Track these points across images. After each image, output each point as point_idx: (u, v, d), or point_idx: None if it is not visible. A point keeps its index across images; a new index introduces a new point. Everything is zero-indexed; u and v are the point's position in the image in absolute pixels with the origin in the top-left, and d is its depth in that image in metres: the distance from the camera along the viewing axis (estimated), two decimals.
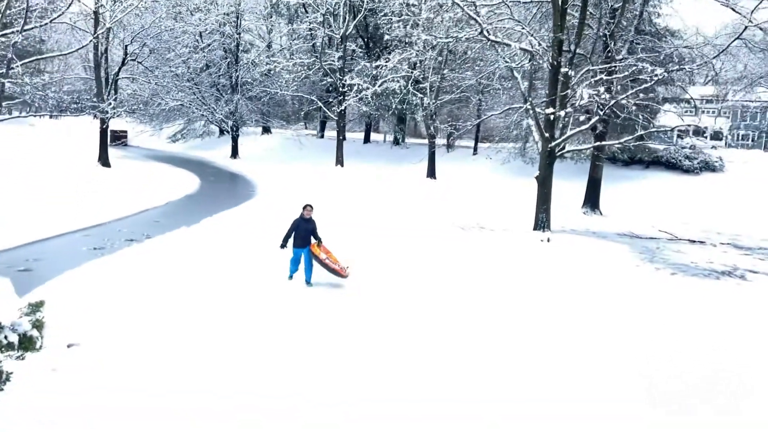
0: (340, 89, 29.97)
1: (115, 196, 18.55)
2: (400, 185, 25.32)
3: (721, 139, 41.34)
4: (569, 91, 13.76)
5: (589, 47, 17.60)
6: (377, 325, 7.69)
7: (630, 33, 18.72)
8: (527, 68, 15.23)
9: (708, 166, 25.36)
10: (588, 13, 15.77)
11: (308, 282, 9.58)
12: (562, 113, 13.79)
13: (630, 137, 15.38)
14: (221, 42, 35.90)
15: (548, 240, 14.71)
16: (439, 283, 10.01)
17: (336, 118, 31.80)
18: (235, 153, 37.32)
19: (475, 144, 34.46)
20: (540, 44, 14.07)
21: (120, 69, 28.08)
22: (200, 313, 7.70)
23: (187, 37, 34.42)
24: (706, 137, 37.34)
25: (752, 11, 14.62)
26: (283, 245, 9.64)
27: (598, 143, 16.90)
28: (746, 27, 14.81)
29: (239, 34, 35.89)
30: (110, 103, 26.42)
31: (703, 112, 38.29)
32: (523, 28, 14.32)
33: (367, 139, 40.01)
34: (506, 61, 14.83)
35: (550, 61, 13.77)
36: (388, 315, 8.13)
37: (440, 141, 32.09)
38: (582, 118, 14.46)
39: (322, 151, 35.70)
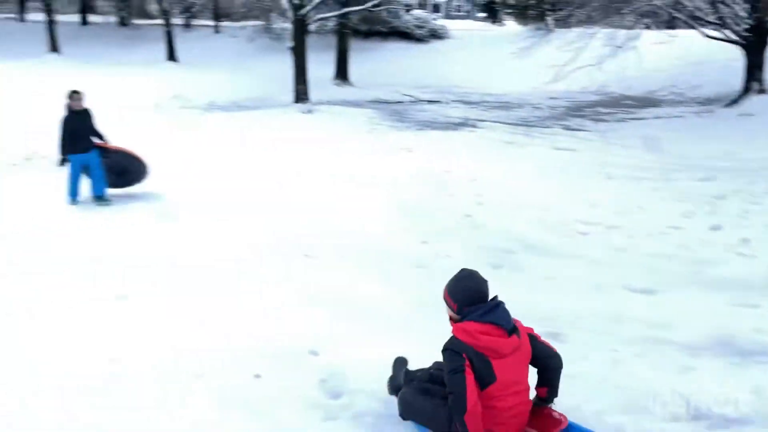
0: None
1: None
2: (139, 69, 22.66)
3: (440, 11, 45.53)
4: None
5: None
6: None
7: None
8: None
9: (435, 34, 27.92)
10: None
11: (102, 197, 7.26)
12: None
13: (372, 2, 15.99)
14: None
15: (309, 111, 14.98)
16: (235, 172, 9.03)
17: None
18: None
19: (216, 22, 32.19)
20: None
21: None
22: None
23: None
24: (426, 9, 40.61)
25: None
26: (64, 158, 7.15)
27: (342, 10, 17.21)
28: None
29: None
30: None
31: None
32: None
33: (85, 21, 34.30)
34: None
35: None
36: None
37: (176, 20, 29.17)
38: None
39: (28, 37, 29.68)
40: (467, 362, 2.57)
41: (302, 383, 3.73)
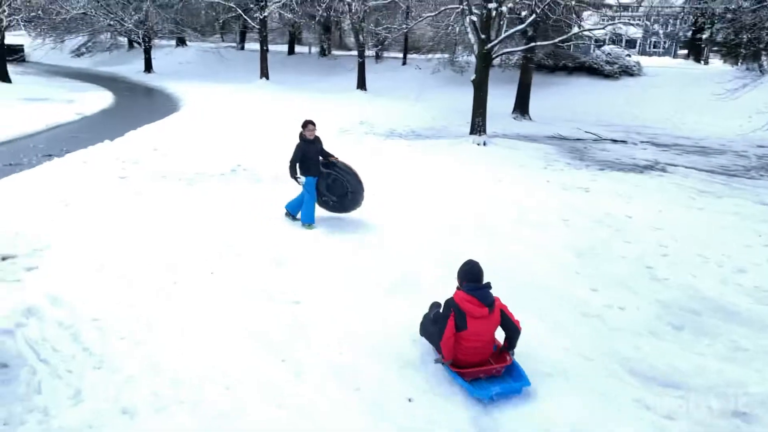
0: None
1: (20, 112, 17.00)
2: (332, 96, 24.71)
3: (635, 47, 42.93)
4: None
5: None
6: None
7: None
8: None
9: (627, 71, 26.40)
10: None
11: (311, 221, 7.53)
12: (504, 9, 13.71)
13: (563, 36, 15.58)
14: None
15: (484, 143, 15.03)
16: (418, 197, 9.64)
17: (257, 27, 30.09)
18: (149, 67, 34.78)
19: (404, 54, 33.89)
20: None
21: None
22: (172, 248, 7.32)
23: None
24: (620, 44, 38.56)
25: None
26: (297, 177, 7.40)
27: (530, 44, 17.03)
28: None
29: None
30: (4, 10, 23.60)
31: (620, 19, 39.18)
32: None
33: (291, 51, 38.33)
34: None
35: None
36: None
37: (368, 52, 31.31)
38: (523, 14, 14.41)
39: (244, 64, 34.01)
40: (452, 312, 4.11)
41: (453, 416, 3.72)
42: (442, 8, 16.29)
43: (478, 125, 15.79)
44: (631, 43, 42.73)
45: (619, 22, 19.93)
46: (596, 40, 31.12)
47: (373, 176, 10.52)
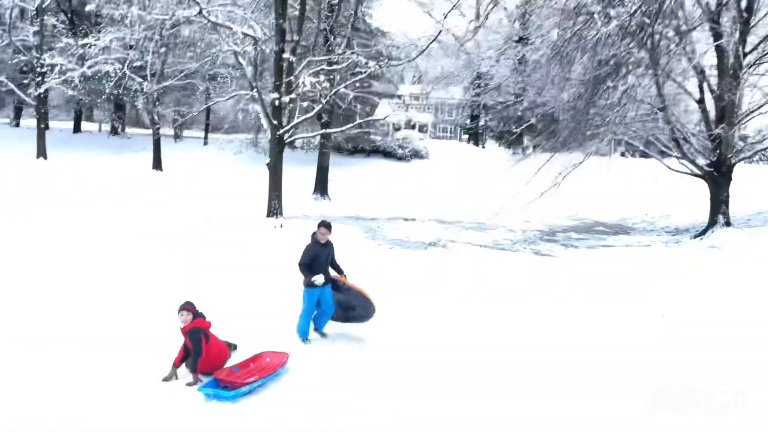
0: (38, 70, 25.73)
1: None
2: (121, 179, 22.95)
3: (425, 132, 47.59)
4: (293, 78, 14.15)
5: (312, 39, 18.34)
6: None
7: (347, 29, 20.09)
8: (252, 55, 15.12)
9: (417, 154, 28.94)
10: (308, 6, 16.38)
11: (319, 330, 6.97)
12: (287, 99, 14.09)
13: (351, 125, 16.53)
14: None
15: (281, 226, 14.94)
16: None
17: (34, 104, 27.28)
18: None
19: (206, 134, 33.28)
20: (263, 30, 14.13)
21: None
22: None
23: None
24: (414, 128, 42.49)
25: (444, 16, 16.97)
26: (312, 281, 6.58)
27: (323, 131, 17.76)
28: (440, 31, 17.13)
29: None
30: None
31: (410, 107, 43.34)
32: (245, 13, 14.18)
33: (77, 129, 35.30)
34: (229, 46, 14.48)
35: (274, 47, 13.95)
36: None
37: (167, 131, 30.14)
38: (306, 104, 14.99)
39: (19, 143, 30.23)
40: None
41: None
42: (234, 93, 16.35)
43: (274, 208, 15.73)
44: (423, 128, 47.32)
45: (404, 113, 21.83)
46: (393, 125, 33.84)
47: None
